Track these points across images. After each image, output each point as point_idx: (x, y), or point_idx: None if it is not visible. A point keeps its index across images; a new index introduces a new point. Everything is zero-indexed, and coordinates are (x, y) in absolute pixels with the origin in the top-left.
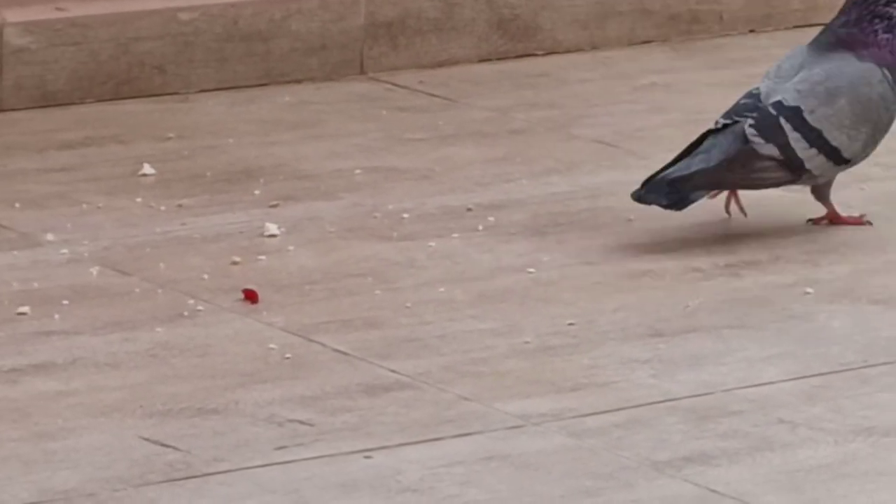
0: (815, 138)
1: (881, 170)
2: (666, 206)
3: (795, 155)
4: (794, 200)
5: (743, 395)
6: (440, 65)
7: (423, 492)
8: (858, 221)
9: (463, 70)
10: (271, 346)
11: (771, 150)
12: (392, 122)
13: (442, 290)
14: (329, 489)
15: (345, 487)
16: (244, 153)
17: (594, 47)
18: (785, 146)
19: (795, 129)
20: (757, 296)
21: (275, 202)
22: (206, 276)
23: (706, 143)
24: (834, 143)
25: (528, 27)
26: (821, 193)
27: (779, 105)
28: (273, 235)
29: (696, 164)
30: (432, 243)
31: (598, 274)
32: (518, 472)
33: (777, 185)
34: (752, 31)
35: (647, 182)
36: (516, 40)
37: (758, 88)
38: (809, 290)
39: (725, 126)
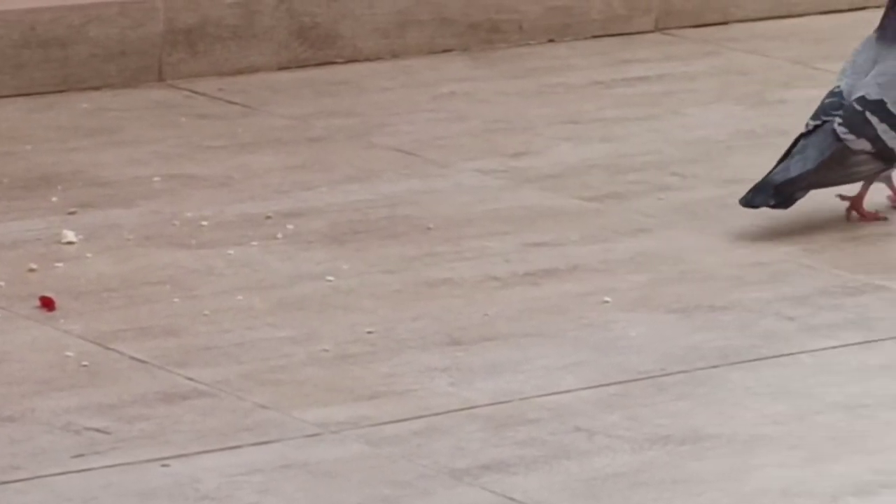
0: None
1: (678, 179)
2: (774, 206)
3: (886, 145)
4: (593, 210)
5: (541, 404)
6: (240, 72)
7: (220, 500)
8: (877, 217)
9: (262, 78)
10: (68, 353)
11: (863, 144)
12: (191, 129)
13: (240, 297)
14: (126, 497)
15: (142, 496)
16: (42, 160)
17: (394, 56)
18: (875, 139)
19: (882, 120)
20: (555, 304)
21: (73, 209)
22: (2, 283)
23: (799, 146)
24: None
25: (328, 35)
26: (870, 181)
27: (863, 100)
28: (71, 243)
29: (795, 166)
30: (231, 251)
31: (397, 282)
32: (316, 480)
33: (872, 175)
34: (551, 40)
35: (753, 188)
36: (316, 48)
37: (839, 87)
38: (607, 298)
39: (816, 127)
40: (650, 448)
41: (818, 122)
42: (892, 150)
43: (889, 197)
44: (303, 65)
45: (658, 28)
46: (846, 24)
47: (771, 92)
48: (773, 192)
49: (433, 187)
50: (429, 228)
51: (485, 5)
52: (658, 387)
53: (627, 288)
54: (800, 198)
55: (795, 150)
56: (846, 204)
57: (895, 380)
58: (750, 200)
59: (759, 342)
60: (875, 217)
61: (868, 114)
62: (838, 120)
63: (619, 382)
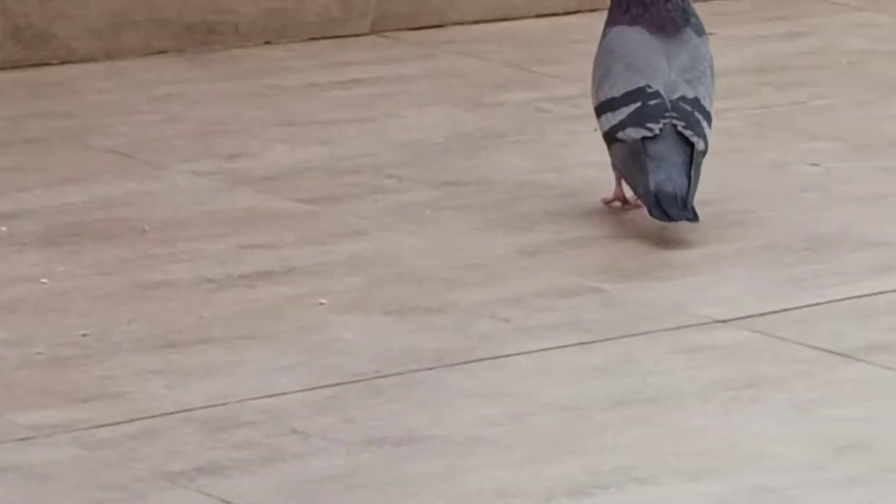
0: (710, 120)
1: (394, 182)
2: (691, 220)
3: (707, 141)
4: (308, 212)
5: (256, 406)
6: None
7: None
8: (637, 205)
9: None
10: None
11: (702, 144)
12: None
13: None
14: None
15: None
16: None
17: (109, 57)
18: (705, 137)
19: (704, 118)
20: (270, 307)
21: None
22: None
23: (655, 152)
24: (712, 118)
25: (41, 36)
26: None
27: (684, 99)
28: None
29: (678, 177)
30: None
31: (112, 284)
32: (29, 483)
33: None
34: (267, 42)
35: (659, 202)
36: (30, 49)
37: (650, 86)
38: (323, 301)
39: (661, 131)
40: (365, 450)
41: (661, 126)
42: (707, 144)
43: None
44: (17, 66)
45: (374, 31)
46: (560, 28)
47: (487, 95)
48: (685, 206)
49: (149, 189)
50: (144, 230)
51: (200, 7)
52: (373, 389)
53: (343, 290)
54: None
55: (654, 157)
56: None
57: (609, 381)
58: (666, 213)
59: (475, 344)
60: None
61: (696, 113)
62: (680, 123)
63: (335, 385)
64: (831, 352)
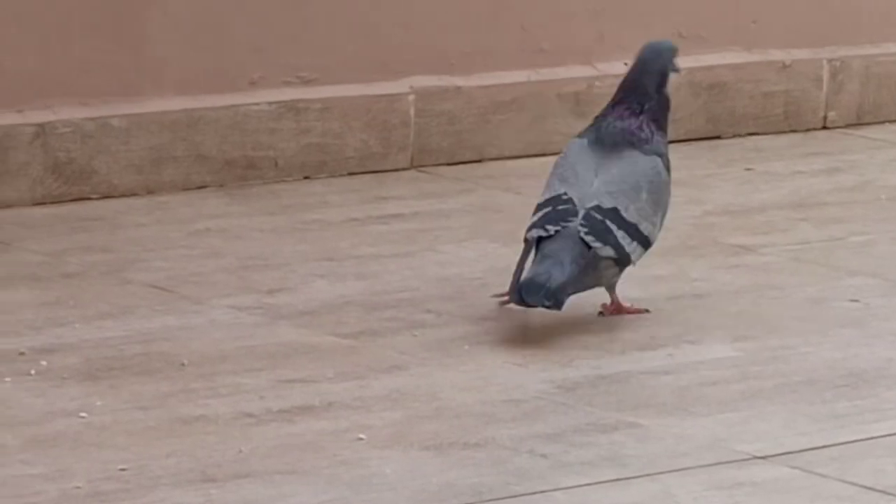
0: (634, 232)
1: (433, 317)
2: (549, 307)
3: (624, 251)
4: (348, 347)
5: None
6: None
7: None
8: (639, 310)
9: (17, 213)
10: None
11: (608, 251)
12: None
13: None
14: None
15: None
16: None
17: (150, 192)
18: (616, 245)
19: (619, 227)
20: (309, 441)
21: None
22: None
23: (547, 250)
24: (645, 233)
25: (83, 171)
26: (612, 285)
27: (598, 209)
28: None
29: (556, 270)
30: None
31: (150, 419)
32: None
33: (611, 281)
34: (306, 177)
35: (520, 288)
36: (71, 183)
37: (564, 194)
38: (362, 436)
39: (556, 232)
40: None
41: (557, 228)
42: (628, 254)
43: (604, 306)
44: (57, 200)
45: (414, 165)
46: None
47: (524, 229)
48: (546, 295)
49: (188, 323)
50: (183, 365)
51: (241, 142)
52: None
53: (382, 425)
54: (564, 300)
55: (544, 253)
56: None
57: None
58: (524, 299)
59: (513, 479)
60: (637, 310)
61: (608, 221)
62: (584, 229)
63: None
64: (871, 489)
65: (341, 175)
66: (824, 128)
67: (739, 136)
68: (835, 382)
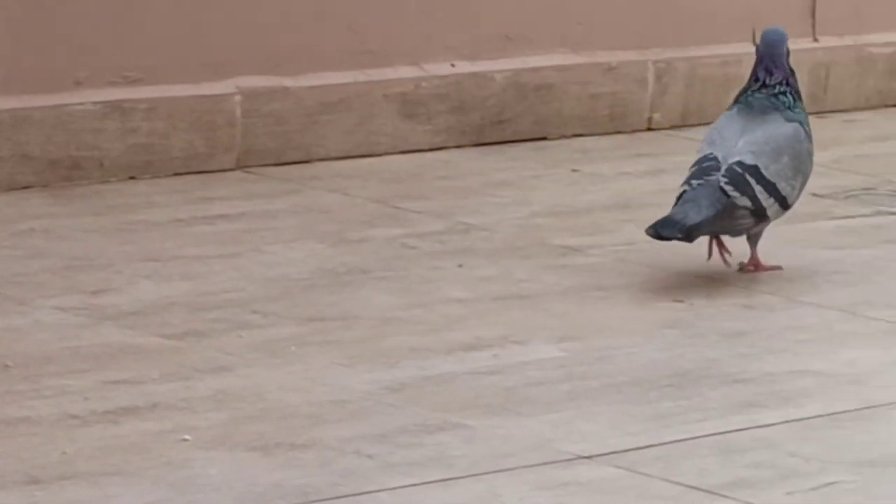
0: (772, 190)
1: (259, 317)
2: (681, 239)
3: (761, 204)
4: (173, 348)
5: None
6: None
7: None
8: (776, 267)
9: None
10: None
11: (745, 201)
12: None
13: None
14: None
15: None
16: None
17: None
18: (753, 197)
19: (758, 182)
20: (134, 443)
21: None
22: None
23: (688, 196)
24: (783, 193)
25: None
26: (755, 241)
27: (741, 164)
28: None
29: (692, 212)
30: None
31: None
32: None
33: (747, 230)
34: (132, 177)
35: (658, 223)
36: None
37: (711, 153)
38: (187, 437)
39: (700, 186)
40: None
41: (701, 181)
42: (764, 208)
43: (744, 263)
44: None
45: (240, 166)
46: (425, 164)
47: (352, 230)
48: (680, 229)
49: (11, 325)
50: (7, 366)
51: (65, 142)
52: None
53: (207, 426)
54: (696, 238)
55: (684, 199)
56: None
57: None
58: (658, 232)
59: (339, 480)
60: (773, 267)
61: (747, 175)
62: (724, 179)
63: None
64: (696, 488)
65: (167, 175)
66: (649, 129)
67: (566, 137)
68: (659, 382)
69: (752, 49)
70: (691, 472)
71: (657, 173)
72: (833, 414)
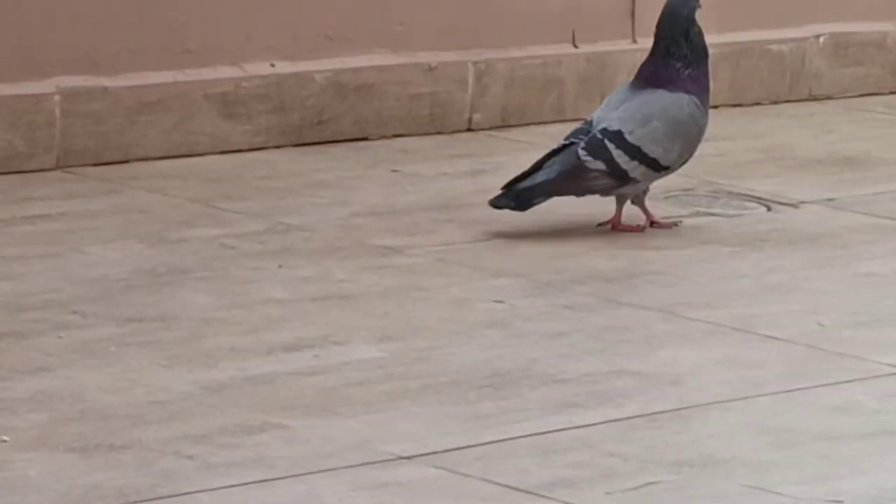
0: (636, 153)
1: (78, 318)
2: (514, 209)
3: (619, 167)
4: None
5: None
6: None
7: None
8: (634, 228)
9: None
10: None
11: (598, 164)
12: None
13: None
14: None
15: None
16: None
17: None
18: (610, 161)
19: (617, 147)
20: None
21: None
22: None
23: (549, 161)
24: (652, 156)
25: None
26: (640, 200)
27: (604, 131)
28: None
29: (539, 177)
30: None
31: None
32: None
33: (607, 189)
34: None
35: (502, 191)
36: None
37: (589, 117)
38: (6, 438)
39: (564, 146)
40: None
41: (566, 143)
42: (625, 170)
43: (640, 224)
44: None
45: (59, 166)
46: (245, 164)
47: (171, 230)
48: (515, 197)
49: None
50: None
51: None
52: None
53: (26, 427)
54: (538, 203)
55: (544, 164)
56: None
57: None
58: (495, 203)
59: (159, 481)
60: (633, 227)
61: (606, 141)
62: (582, 144)
63: None
64: (515, 488)
65: None
66: (469, 130)
67: (386, 137)
68: (479, 383)
69: (573, 49)
70: (511, 472)
71: (477, 174)
72: (651, 414)
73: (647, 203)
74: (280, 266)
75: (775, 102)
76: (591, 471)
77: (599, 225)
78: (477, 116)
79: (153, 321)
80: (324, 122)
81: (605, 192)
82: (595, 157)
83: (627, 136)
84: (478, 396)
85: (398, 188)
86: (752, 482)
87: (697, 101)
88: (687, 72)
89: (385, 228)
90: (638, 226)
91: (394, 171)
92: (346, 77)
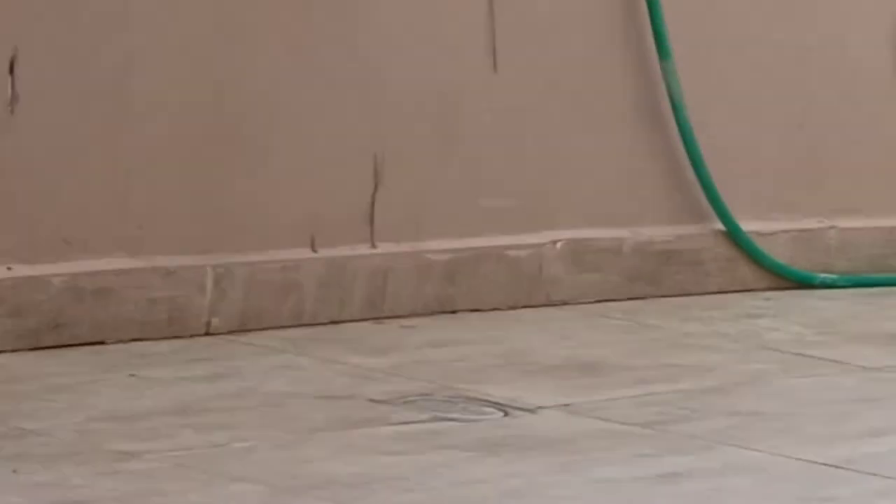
0: None
1: None
2: None
3: None
4: None
5: None
6: None
7: None
8: None
9: None
10: None
11: None
12: None
13: None
14: None
15: None
16: None
17: None
18: None
19: None
20: None
21: None
22: None
23: None
24: None
25: None
26: None
27: None
28: None
29: None
30: None
31: None
32: None
33: None
34: None
35: None
36: None
37: None
38: None
39: None
40: None
41: None
42: None
43: None
44: None
45: None
46: None
47: None
48: None
49: None
50: None
51: None
52: None
53: None
54: None
55: None
56: None
57: None
58: None
59: None
60: None
61: None
62: None
63: None
64: None
65: None
66: (207, 334)
67: (123, 341)
68: None
69: (312, 254)
70: None
71: (215, 378)
72: None
73: (384, 407)
74: (14, 471)
75: (513, 308)
76: None
77: None
78: (216, 320)
79: None
80: (60, 326)
81: None
82: None
83: None
84: None
85: (136, 392)
86: None
87: None
88: None
89: (123, 433)
90: None
91: (131, 375)
92: (84, 280)
